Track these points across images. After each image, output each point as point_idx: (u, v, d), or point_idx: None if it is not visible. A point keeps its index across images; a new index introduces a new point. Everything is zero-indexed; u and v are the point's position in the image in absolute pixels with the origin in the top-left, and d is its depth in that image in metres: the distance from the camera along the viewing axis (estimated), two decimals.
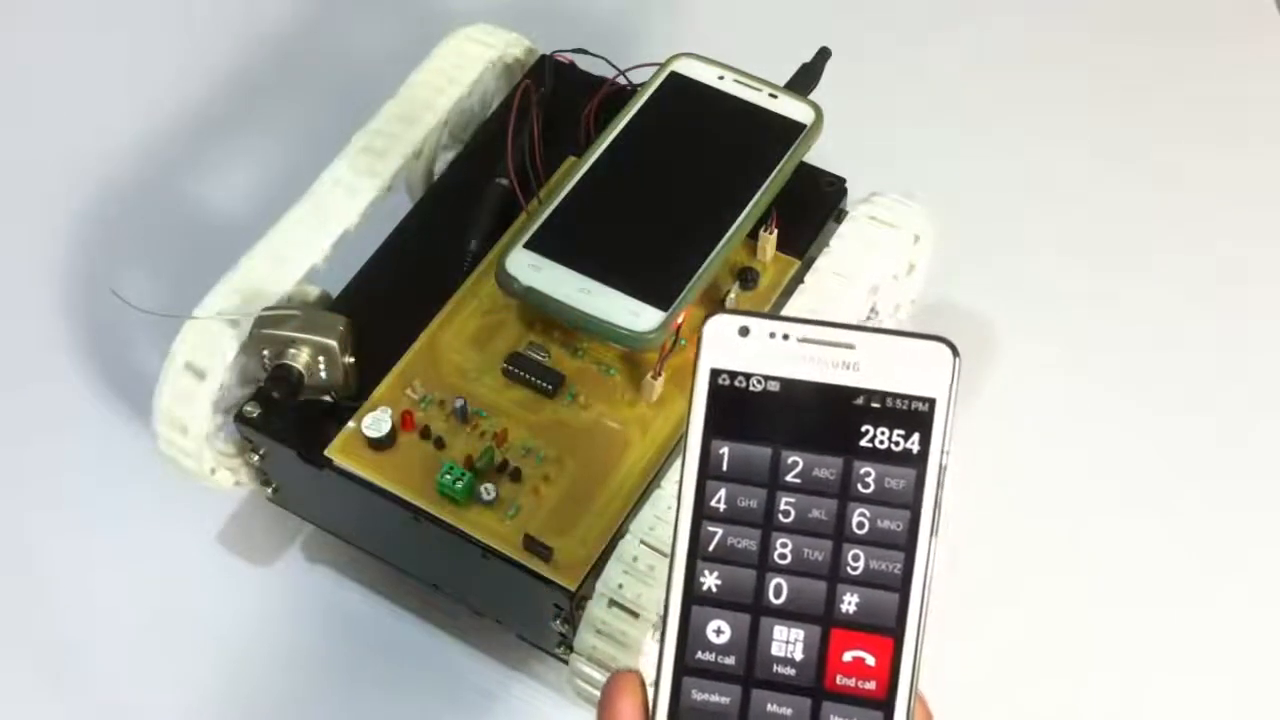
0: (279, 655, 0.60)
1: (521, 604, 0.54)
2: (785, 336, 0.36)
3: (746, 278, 0.59)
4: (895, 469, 0.36)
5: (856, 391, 0.36)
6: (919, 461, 0.35)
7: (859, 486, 0.36)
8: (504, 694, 0.59)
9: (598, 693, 0.52)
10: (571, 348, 0.57)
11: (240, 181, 0.74)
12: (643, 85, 0.62)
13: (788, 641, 0.36)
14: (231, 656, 0.60)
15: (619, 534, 0.52)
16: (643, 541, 0.51)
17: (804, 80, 0.63)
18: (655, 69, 0.62)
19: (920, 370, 0.36)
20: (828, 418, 0.36)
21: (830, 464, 0.36)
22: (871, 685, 0.35)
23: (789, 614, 0.36)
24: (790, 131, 0.60)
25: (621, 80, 0.64)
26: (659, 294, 0.55)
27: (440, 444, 0.55)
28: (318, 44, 0.80)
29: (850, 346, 0.36)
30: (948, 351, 0.36)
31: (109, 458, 0.64)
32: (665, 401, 0.56)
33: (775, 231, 0.59)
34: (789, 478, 0.36)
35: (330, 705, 0.59)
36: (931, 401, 0.36)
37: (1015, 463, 0.64)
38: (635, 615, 0.50)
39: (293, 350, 0.55)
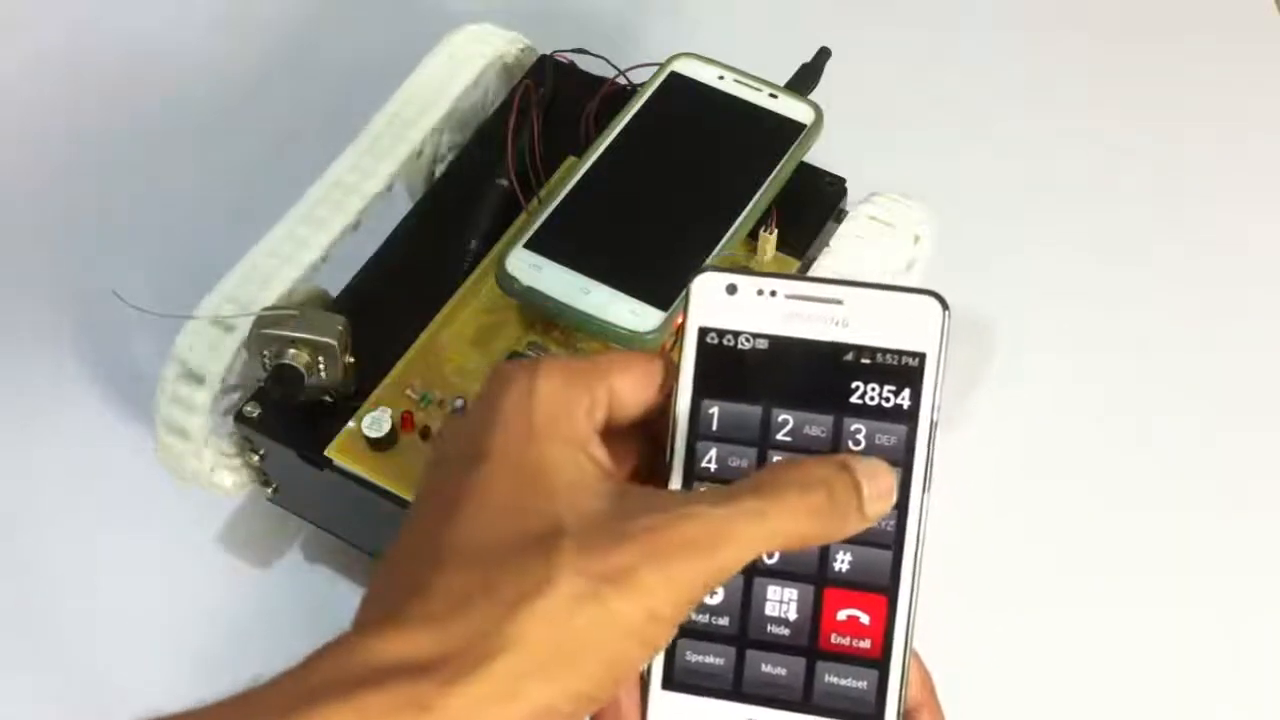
0: (278, 656, 0.60)
1: None
2: (773, 293, 0.36)
3: None
4: (886, 425, 0.35)
5: (846, 347, 0.35)
6: (910, 417, 0.35)
7: (850, 444, 0.35)
8: None
9: None
10: (571, 348, 0.57)
11: (240, 181, 0.73)
12: (643, 85, 0.62)
13: (781, 601, 0.35)
14: (231, 657, 0.60)
15: None
16: None
17: (804, 80, 0.63)
18: (655, 69, 0.62)
19: (910, 325, 0.35)
20: (817, 375, 0.35)
21: (821, 421, 0.35)
22: (866, 644, 0.35)
23: (782, 574, 0.35)
24: (790, 131, 0.60)
25: (621, 80, 0.64)
26: (659, 294, 0.55)
27: None
28: (318, 44, 0.80)
29: (838, 302, 0.36)
30: (937, 305, 0.35)
31: (109, 458, 0.64)
32: None
33: (775, 231, 0.59)
34: (780, 436, 0.35)
35: None
36: (921, 356, 0.35)
37: (1015, 461, 0.64)
38: None
39: (293, 350, 0.54)
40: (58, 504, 0.64)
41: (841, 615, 0.35)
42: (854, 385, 0.35)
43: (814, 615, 0.35)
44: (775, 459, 0.35)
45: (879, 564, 0.35)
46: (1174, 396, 0.67)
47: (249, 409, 0.56)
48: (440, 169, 0.64)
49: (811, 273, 0.58)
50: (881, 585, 0.35)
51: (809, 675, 0.35)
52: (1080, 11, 0.81)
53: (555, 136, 0.63)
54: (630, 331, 0.55)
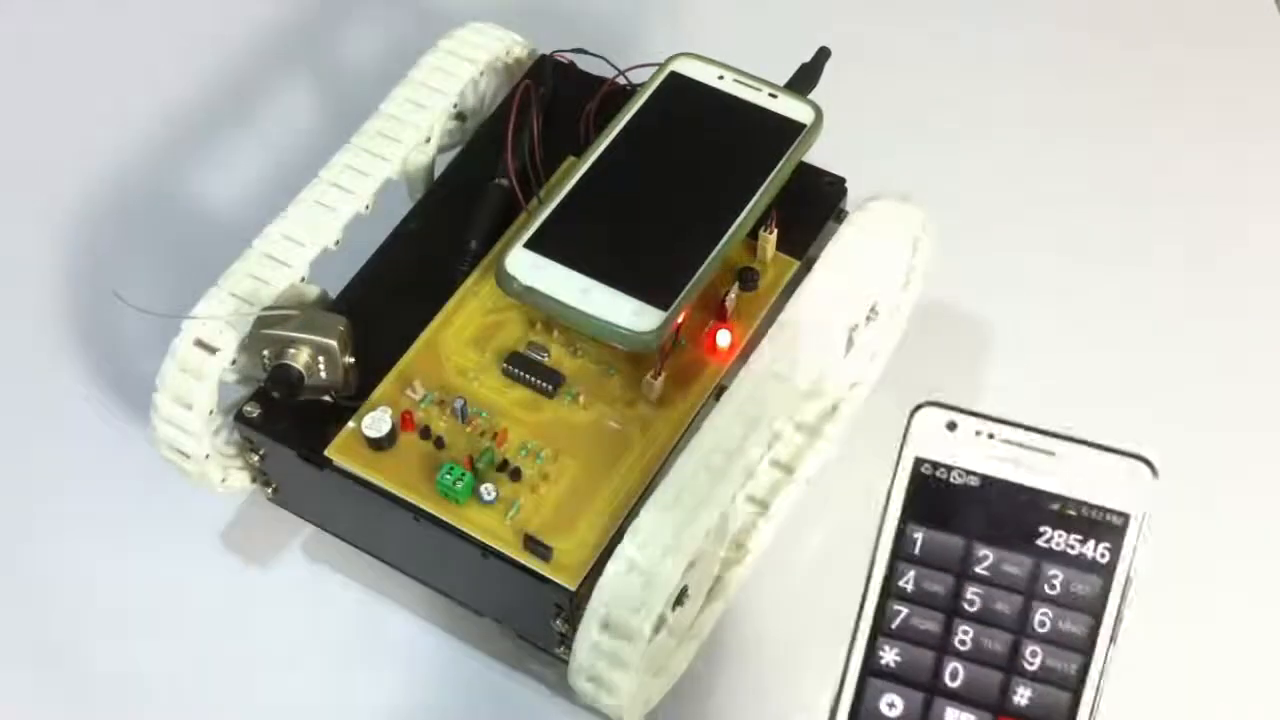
0: (279, 655, 0.60)
1: (521, 604, 0.54)
2: (990, 435, 0.38)
3: (746, 278, 0.59)
4: (1083, 575, 0.37)
5: (1054, 497, 0.38)
6: (1107, 571, 0.37)
7: (1045, 587, 0.37)
8: (504, 694, 0.59)
9: (596, 695, 0.52)
10: (571, 348, 0.57)
11: (239, 181, 0.74)
12: (643, 85, 0.62)
13: None
14: (231, 656, 0.60)
15: (619, 534, 0.52)
16: (643, 540, 0.51)
17: (804, 80, 0.63)
18: (655, 69, 0.62)
19: (1118, 484, 0.38)
20: (1022, 517, 0.38)
21: (1019, 561, 0.37)
22: None
23: (962, 698, 0.37)
24: (790, 131, 0.60)
25: (621, 80, 0.64)
26: (659, 294, 0.55)
27: (440, 444, 0.55)
28: (317, 44, 0.80)
29: (1052, 454, 0.38)
30: (1146, 471, 0.38)
31: (108, 458, 0.64)
32: (665, 401, 0.56)
33: (775, 231, 0.59)
34: (978, 569, 0.38)
35: (330, 705, 0.59)
36: (1126, 516, 0.37)
37: None
38: (635, 614, 0.50)
39: (293, 350, 0.55)
40: (57, 504, 0.64)
41: None
42: (1057, 533, 0.37)
43: None
44: (969, 590, 0.37)
45: (1058, 705, 0.37)
46: (1174, 396, 0.67)
47: (249, 409, 0.56)
48: (440, 169, 0.64)
49: (811, 275, 0.58)
50: None
51: None
52: (1080, 11, 0.81)
53: (555, 136, 0.63)
54: (630, 331, 0.55)
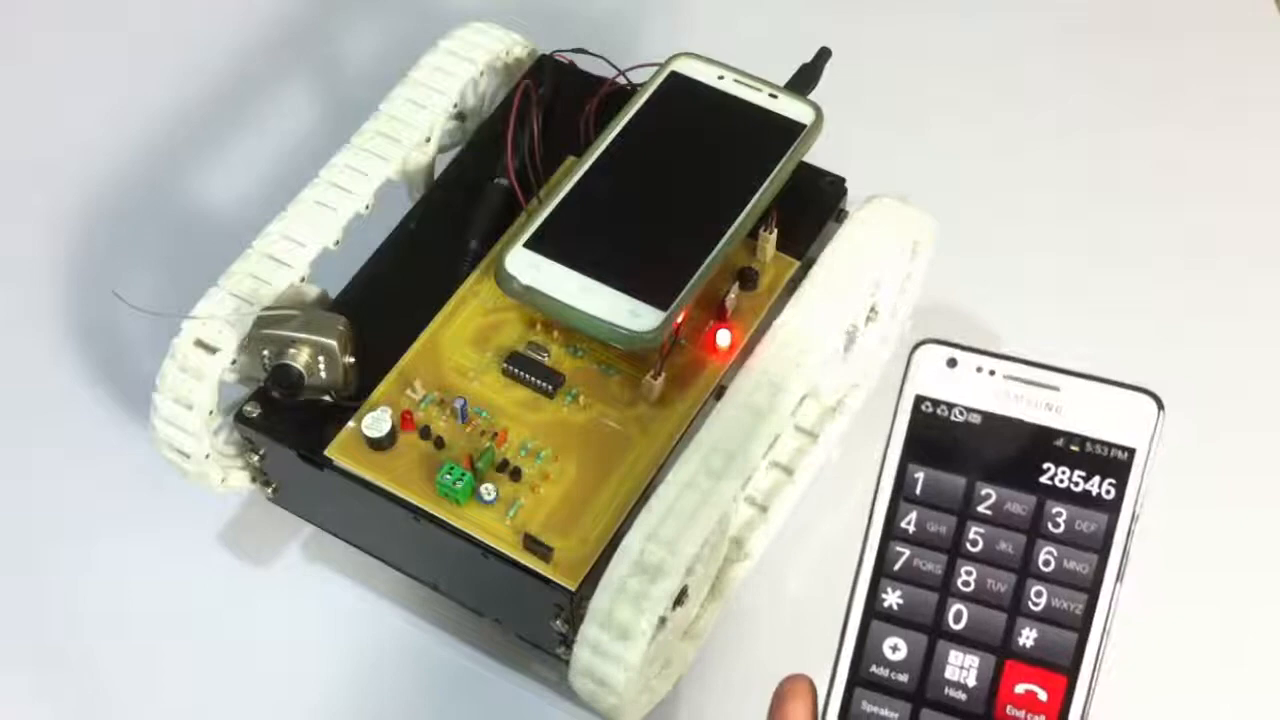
0: (279, 655, 0.60)
1: (521, 604, 0.54)
2: (992, 372, 0.37)
3: (746, 278, 0.59)
4: (1088, 512, 0.36)
5: (1057, 433, 0.37)
6: (1112, 508, 0.36)
7: (1049, 525, 0.37)
8: (504, 694, 0.59)
9: (597, 694, 0.52)
10: (571, 348, 0.57)
11: (239, 181, 0.74)
12: (643, 85, 0.62)
13: (962, 666, 0.37)
14: (231, 656, 0.60)
15: (619, 534, 0.52)
16: (645, 540, 0.51)
17: (804, 80, 0.63)
18: (655, 69, 0.62)
19: (1123, 419, 0.37)
20: (1025, 455, 0.37)
21: (1023, 500, 0.37)
22: (1040, 719, 0.36)
23: (966, 640, 0.37)
24: (790, 131, 0.60)
25: (621, 80, 0.64)
26: (658, 294, 0.55)
27: (440, 444, 0.55)
28: (317, 44, 0.80)
29: (1055, 389, 0.37)
30: (1152, 404, 0.37)
31: (108, 458, 0.64)
32: (665, 401, 0.56)
33: (775, 231, 0.59)
34: (980, 509, 0.37)
35: (329, 705, 0.59)
36: (1131, 451, 0.37)
37: None
38: (636, 615, 0.50)
39: (293, 350, 0.55)
40: (57, 504, 0.64)
41: (1020, 689, 0.36)
42: (1060, 470, 0.37)
43: (992, 684, 0.36)
44: (971, 530, 0.37)
45: (1064, 644, 0.36)
46: (1173, 396, 0.66)
47: (249, 409, 0.56)
48: (440, 168, 0.64)
49: (810, 281, 0.58)
50: (1063, 665, 0.36)
51: None
52: (1080, 11, 0.81)
53: (555, 136, 0.63)
54: (630, 331, 0.55)
